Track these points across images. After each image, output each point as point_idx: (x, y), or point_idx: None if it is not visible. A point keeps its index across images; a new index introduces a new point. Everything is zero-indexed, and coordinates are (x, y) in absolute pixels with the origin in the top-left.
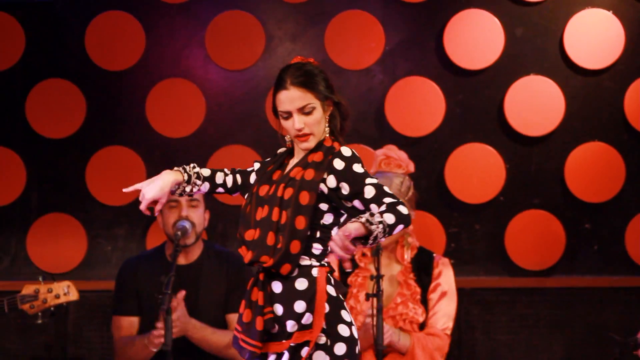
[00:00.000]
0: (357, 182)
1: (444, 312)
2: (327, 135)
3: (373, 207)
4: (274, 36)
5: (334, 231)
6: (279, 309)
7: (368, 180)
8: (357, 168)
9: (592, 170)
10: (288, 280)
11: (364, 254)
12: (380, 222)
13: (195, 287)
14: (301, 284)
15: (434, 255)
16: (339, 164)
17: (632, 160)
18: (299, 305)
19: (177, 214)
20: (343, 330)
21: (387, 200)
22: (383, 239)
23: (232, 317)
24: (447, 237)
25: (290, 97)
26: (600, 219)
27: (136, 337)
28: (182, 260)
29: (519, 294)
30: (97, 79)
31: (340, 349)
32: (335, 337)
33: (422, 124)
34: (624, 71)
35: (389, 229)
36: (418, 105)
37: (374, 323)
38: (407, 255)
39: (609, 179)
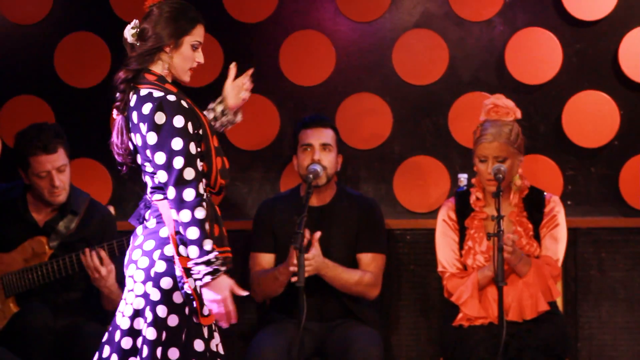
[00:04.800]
0: None
1: (556, 244)
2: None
3: None
4: None
5: None
6: None
7: None
8: None
9: None
10: None
11: (477, 198)
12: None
13: (328, 227)
14: None
15: (545, 193)
16: None
17: None
18: None
19: (310, 158)
20: None
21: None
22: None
23: (362, 257)
24: (564, 179)
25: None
26: None
27: (268, 270)
28: (315, 201)
29: (633, 234)
30: (234, 32)
31: None
32: None
33: (541, 72)
34: None
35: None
36: (537, 54)
37: (495, 260)
38: (515, 197)
39: None
